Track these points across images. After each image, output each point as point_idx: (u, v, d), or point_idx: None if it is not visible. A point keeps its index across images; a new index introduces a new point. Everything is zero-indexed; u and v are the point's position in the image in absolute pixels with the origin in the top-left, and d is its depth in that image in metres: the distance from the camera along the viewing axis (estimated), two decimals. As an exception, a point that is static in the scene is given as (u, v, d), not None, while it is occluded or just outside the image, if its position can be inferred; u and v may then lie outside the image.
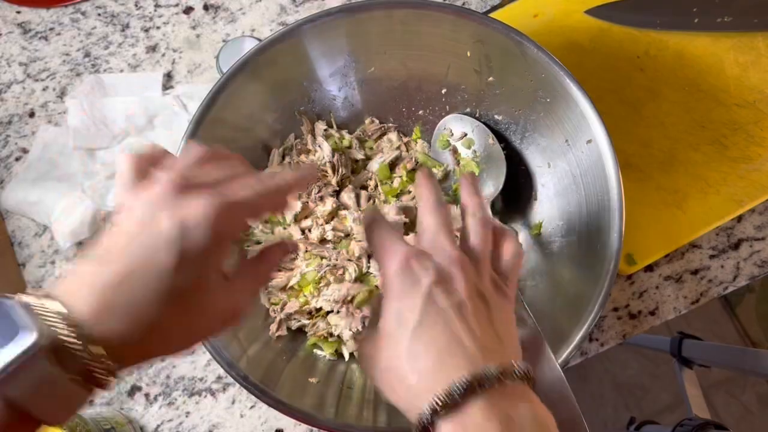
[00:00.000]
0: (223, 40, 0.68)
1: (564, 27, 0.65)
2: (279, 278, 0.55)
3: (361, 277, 0.54)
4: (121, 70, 0.67)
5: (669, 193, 0.60)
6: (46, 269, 0.61)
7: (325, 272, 0.53)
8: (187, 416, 0.58)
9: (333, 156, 0.56)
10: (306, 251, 0.55)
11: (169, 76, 0.67)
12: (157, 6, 0.69)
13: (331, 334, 0.54)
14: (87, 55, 0.67)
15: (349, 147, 0.58)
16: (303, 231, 0.56)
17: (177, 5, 0.69)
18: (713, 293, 0.61)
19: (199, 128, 0.49)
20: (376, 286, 0.53)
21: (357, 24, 0.52)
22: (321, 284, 0.54)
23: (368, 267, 0.54)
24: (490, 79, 0.54)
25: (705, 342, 1.02)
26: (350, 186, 0.57)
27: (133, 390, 0.58)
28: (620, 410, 1.34)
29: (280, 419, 0.57)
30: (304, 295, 0.54)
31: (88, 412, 0.52)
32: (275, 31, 0.53)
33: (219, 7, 0.69)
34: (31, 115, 0.66)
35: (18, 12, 0.69)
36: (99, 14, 0.69)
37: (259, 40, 0.50)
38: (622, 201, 0.46)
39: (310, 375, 0.51)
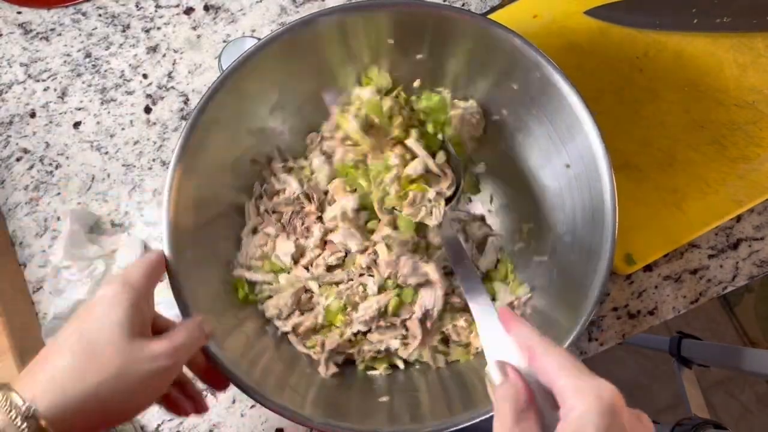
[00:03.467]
0: (224, 41, 0.68)
1: (564, 28, 0.65)
2: (306, 322, 0.53)
3: (385, 286, 0.53)
4: (122, 71, 0.67)
5: (668, 193, 0.60)
6: (47, 269, 0.61)
7: (347, 297, 0.52)
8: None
9: (303, 186, 0.55)
10: (319, 287, 0.53)
11: (170, 77, 0.67)
12: (157, 7, 0.69)
13: (379, 351, 0.53)
14: (88, 55, 0.68)
15: (312, 172, 0.57)
16: (307, 268, 0.54)
17: (178, 6, 0.69)
18: (712, 293, 0.61)
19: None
20: (399, 285, 0.52)
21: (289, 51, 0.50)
22: (348, 309, 0.52)
23: (386, 273, 0.53)
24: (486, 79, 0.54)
25: (704, 342, 1.02)
26: (330, 206, 0.56)
27: (134, 390, 0.58)
28: (619, 410, 1.34)
29: (280, 419, 0.57)
30: (337, 327, 0.52)
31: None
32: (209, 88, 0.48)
33: (219, 7, 0.69)
34: (32, 115, 0.66)
35: (19, 12, 0.69)
36: (100, 15, 0.69)
37: (260, 40, 0.50)
38: (615, 202, 0.46)
39: (377, 396, 0.50)
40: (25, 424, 0.33)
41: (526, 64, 0.50)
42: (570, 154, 0.50)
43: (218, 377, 0.44)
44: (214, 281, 0.51)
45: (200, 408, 0.45)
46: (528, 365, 0.34)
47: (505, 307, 0.38)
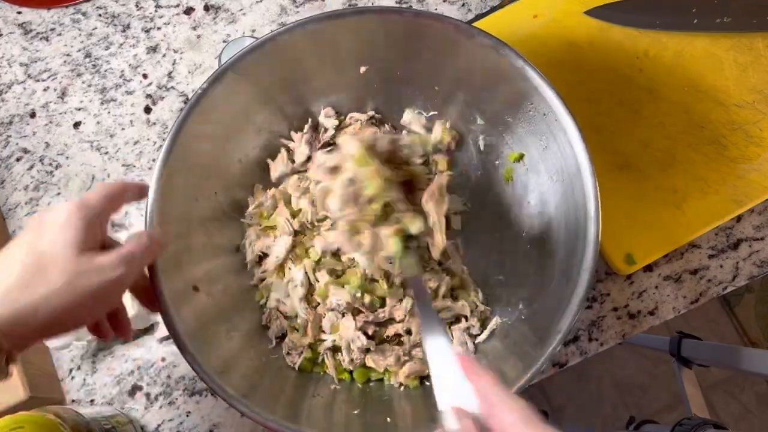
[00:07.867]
0: (224, 41, 0.68)
1: (564, 27, 0.65)
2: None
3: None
4: (122, 71, 0.67)
5: (668, 193, 0.60)
6: (47, 269, 0.61)
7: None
8: (187, 416, 0.58)
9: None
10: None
11: (170, 77, 0.67)
12: (157, 7, 0.69)
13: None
14: (88, 55, 0.68)
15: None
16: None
17: (178, 6, 0.69)
18: (712, 293, 0.61)
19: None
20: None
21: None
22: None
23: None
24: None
25: (704, 342, 1.02)
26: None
27: (134, 390, 0.58)
28: (619, 410, 1.34)
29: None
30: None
31: (88, 411, 0.52)
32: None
33: (219, 7, 0.69)
34: (32, 115, 0.66)
35: (19, 12, 0.69)
36: (100, 15, 0.69)
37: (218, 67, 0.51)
38: (599, 205, 0.46)
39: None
40: None
41: (512, 71, 0.50)
42: (554, 157, 0.50)
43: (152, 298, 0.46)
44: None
45: (124, 333, 0.45)
46: (483, 414, 0.35)
47: (465, 356, 0.39)
